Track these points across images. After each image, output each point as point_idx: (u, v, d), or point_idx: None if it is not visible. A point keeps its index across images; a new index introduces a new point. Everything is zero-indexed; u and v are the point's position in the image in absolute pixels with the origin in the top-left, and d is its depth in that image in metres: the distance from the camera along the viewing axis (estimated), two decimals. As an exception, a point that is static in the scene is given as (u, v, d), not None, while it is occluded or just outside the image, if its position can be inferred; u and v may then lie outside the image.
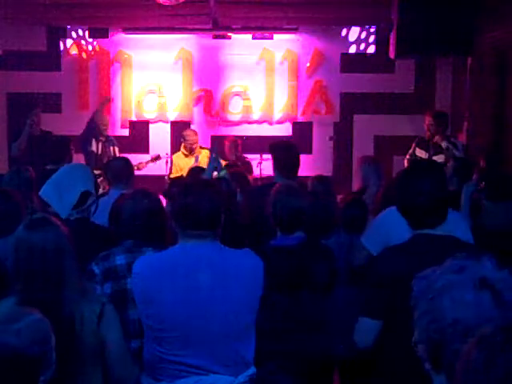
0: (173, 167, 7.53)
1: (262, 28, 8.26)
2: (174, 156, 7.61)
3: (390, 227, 3.64)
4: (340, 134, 8.54)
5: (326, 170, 7.91)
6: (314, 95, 8.55)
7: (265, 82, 8.54)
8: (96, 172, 5.66)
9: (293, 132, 8.62)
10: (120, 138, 7.84)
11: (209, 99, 8.57)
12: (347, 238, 4.00)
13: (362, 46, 8.53)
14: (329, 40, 8.47)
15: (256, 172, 7.63)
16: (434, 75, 8.43)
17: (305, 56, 8.52)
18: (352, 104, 8.56)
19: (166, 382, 2.56)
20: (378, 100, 8.48)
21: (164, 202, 3.80)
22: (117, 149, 7.29)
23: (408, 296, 1.49)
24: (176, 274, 2.53)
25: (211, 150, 4.94)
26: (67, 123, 7.57)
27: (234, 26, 8.24)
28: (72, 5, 7.26)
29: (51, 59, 8.41)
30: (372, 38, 8.48)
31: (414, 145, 6.85)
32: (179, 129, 8.48)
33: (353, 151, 8.63)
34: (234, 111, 8.60)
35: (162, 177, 7.73)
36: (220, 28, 8.03)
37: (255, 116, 8.60)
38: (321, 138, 8.53)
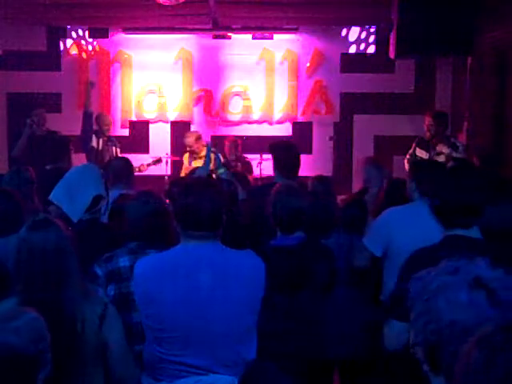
0: (182, 168, 7.52)
1: (262, 28, 8.26)
2: (184, 156, 7.60)
3: (391, 228, 3.65)
4: (340, 134, 8.55)
5: (326, 170, 7.91)
6: (314, 95, 8.55)
7: (265, 82, 8.55)
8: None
9: (293, 132, 8.62)
10: (120, 138, 7.84)
11: (209, 99, 8.57)
12: (347, 238, 4.00)
13: (362, 46, 8.54)
14: (329, 40, 8.47)
15: (256, 172, 7.64)
16: (434, 75, 8.44)
17: (305, 56, 8.52)
18: (352, 104, 8.56)
19: (166, 382, 2.56)
20: (378, 100, 8.49)
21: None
22: (118, 150, 7.29)
23: None
24: (177, 275, 2.52)
25: (207, 146, 4.92)
26: (67, 123, 7.57)
27: (233, 26, 8.25)
28: (72, 5, 7.26)
29: (51, 59, 8.42)
30: (372, 38, 8.48)
31: (414, 145, 6.84)
32: (179, 129, 8.50)
33: (353, 151, 8.63)
34: (234, 111, 8.60)
35: (161, 177, 7.74)
36: (220, 28, 8.04)
37: (255, 116, 8.60)
38: (321, 138, 8.53)
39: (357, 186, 7.61)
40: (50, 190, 3.77)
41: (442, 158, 6.46)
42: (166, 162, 7.81)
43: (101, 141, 7.14)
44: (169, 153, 8.15)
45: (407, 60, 7.91)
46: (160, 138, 8.58)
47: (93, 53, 8.53)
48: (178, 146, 8.40)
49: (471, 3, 6.47)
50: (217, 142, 7.77)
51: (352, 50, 8.54)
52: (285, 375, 2.20)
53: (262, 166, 7.49)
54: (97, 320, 2.40)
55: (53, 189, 3.73)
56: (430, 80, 8.43)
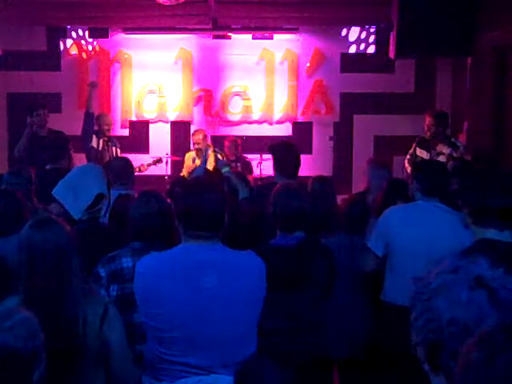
0: (184, 167, 7.51)
1: (262, 28, 8.26)
2: (187, 155, 7.59)
3: (391, 227, 3.66)
4: (340, 134, 8.55)
5: (326, 170, 7.92)
6: (314, 95, 8.55)
7: (265, 82, 8.55)
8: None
9: (293, 132, 8.62)
10: (120, 138, 7.83)
11: (209, 99, 8.57)
12: (347, 238, 4.00)
13: (362, 46, 8.54)
14: (329, 40, 8.47)
15: (256, 172, 7.64)
16: (434, 75, 8.44)
17: (305, 56, 8.52)
18: (352, 104, 8.56)
19: (167, 382, 2.56)
20: (378, 100, 8.49)
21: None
22: (118, 150, 7.29)
23: None
24: (177, 275, 2.52)
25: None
26: (67, 123, 7.56)
27: (233, 26, 8.25)
28: (72, 5, 7.27)
29: (51, 59, 8.41)
30: (372, 38, 8.48)
31: (414, 145, 6.83)
32: (179, 129, 8.50)
33: (353, 151, 8.63)
34: (234, 111, 8.60)
35: (161, 177, 7.74)
36: (220, 28, 8.03)
37: (255, 116, 8.60)
38: (321, 138, 8.54)
39: (357, 185, 7.62)
40: (50, 190, 3.78)
41: (442, 158, 6.45)
42: (166, 161, 7.82)
43: (101, 141, 7.13)
44: (169, 153, 8.15)
45: (407, 60, 7.91)
46: (160, 138, 8.58)
47: (93, 53, 8.53)
48: (178, 145, 8.41)
49: (471, 3, 6.47)
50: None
51: (352, 49, 8.54)
52: (280, 370, 2.19)
53: (262, 166, 7.49)
54: (97, 320, 2.40)
55: (53, 189, 3.74)
56: (430, 80, 8.43)
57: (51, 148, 6.18)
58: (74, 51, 8.51)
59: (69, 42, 8.49)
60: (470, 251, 2.57)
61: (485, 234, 2.60)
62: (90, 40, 8.51)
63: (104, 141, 7.18)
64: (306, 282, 3.25)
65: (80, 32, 8.46)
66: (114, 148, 7.22)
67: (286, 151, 4.47)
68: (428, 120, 6.66)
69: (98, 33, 8.44)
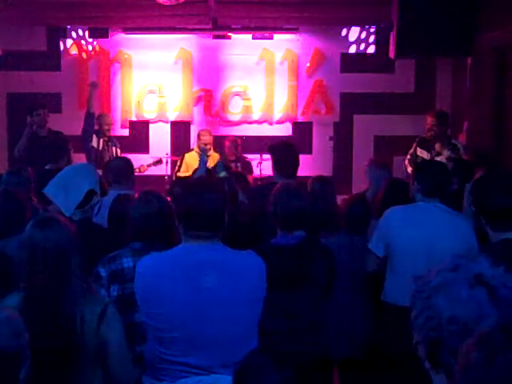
0: (182, 165, 7.49)
1: (262, 28, 8.25)
2: (187, 155, 7.58)
3: (392, 228, 3.66)
4: (340, 134, 8.54)
5: (326, 170, 7.91)
6: (314, 95, 8.55)
7: (265, 82, 8.54)
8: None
9: (293, 132, 8.62)
10: (120, 138, 7.83)
11: (209, 99, 8.56)
12: (347, 238, 4.00)
13: (362, 46, 8.53)
14: (329, 40, 8.47)
15: (256, 172, 7.64)
16: (434, 75, 8.44)
17: (305, 56, 8.52)
18: (352, 104, 8.56)
19: (167, 382, 2.56)
20: (378, 100, 8.48)
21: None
22: (119, 150, 7.29)
23: None
24: (177, 275, 2.53)
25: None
26: (67, 123, 7.55)
27: (233, 26, 8.24)
28: (72, 5, 7.26)
29: (51, 59, 8.41)
30: (372, 38, 8.48)
31: (414, 145, 6.82)
32: (179, 129, 8.50)
33: (353, 151, 8.63)
34: (234, 111, 8.60)
35: (161, 177, 7.74)
36: (220, 28, 8.03)
37: (255, 116, 8.60)
38: (321, 138, 8.53)
39: (357, 185, 7.62)
40: (50, 189, 3.77)
41: (441, 159, 6.44)
42: (166, 162, 7.81)
43: (101, 141, 7.14)
44: (169, 153, 8.15)
45: (407, 60, 7.90)
46: (160, 138, 8.57)
47: (93, 53, 8.53)
48: (178, 146, 8.41)
49: (471, 3, 6.47)
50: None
51: (352, 49, 8.54)
52: (280, 369, 2.19)
53: (262, 166, 7.49)
54: (95, 319, 2.40)
55: (51, 188, 3.74)
56: (430, 80, 8.43)
57: (51, 148, 6.19)
58: (74, 51, 8.50)
59: (69, 42, 8.48)
60: (492, 251, 2.58)
61: (505, 236, 2.61)
62: (90, 40, 8.51)
63: (104, 141, 7.18)
64: (306, 281, 3.25)
65: (80, 32, 8.46)
66: (114, 148, 7.22)
67: (285, 151, 4.48)
68: (430, 120, 6.64)
69: (98, 33, 8.43)
